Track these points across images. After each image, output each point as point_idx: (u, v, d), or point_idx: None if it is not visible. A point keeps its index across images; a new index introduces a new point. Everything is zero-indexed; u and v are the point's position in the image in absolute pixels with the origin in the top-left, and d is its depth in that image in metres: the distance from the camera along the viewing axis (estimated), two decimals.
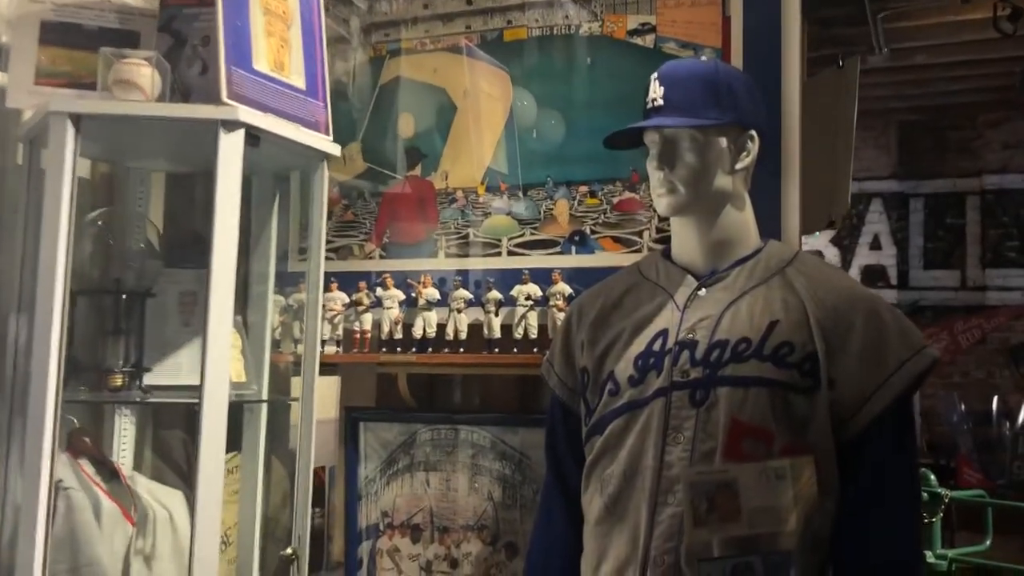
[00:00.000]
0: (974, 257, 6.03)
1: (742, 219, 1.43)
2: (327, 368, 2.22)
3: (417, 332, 1.93)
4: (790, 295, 1.34)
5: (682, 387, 1.32)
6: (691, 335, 1.34)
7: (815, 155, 2.09)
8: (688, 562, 1.25)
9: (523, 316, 1.85)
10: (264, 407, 1.87)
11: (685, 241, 1.44)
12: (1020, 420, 5.28)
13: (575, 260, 1.87)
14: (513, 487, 1.88)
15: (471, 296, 1.91)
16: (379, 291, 1.97)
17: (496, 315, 1.88)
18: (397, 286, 1.96)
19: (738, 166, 1.40)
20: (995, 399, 5.51)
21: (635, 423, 1.34)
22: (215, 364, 1.44)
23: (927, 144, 6.13)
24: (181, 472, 1.97)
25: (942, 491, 3.27)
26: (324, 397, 2.22)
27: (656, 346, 1.37)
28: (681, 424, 1.30)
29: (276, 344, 1.98)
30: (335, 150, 1.74)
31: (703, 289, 1.39)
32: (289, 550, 1.62)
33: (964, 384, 5.83)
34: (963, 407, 5.49)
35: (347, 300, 2.00)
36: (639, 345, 1.39)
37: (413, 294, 1.95)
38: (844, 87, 2.75)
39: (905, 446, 1.32)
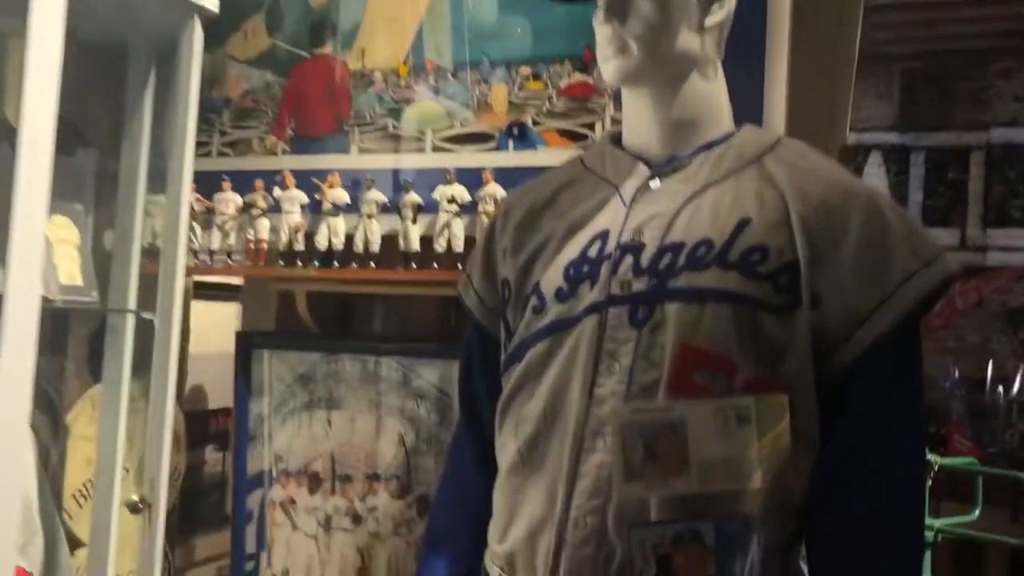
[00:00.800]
0: (975, 216, 5.73)
1: (710, 92, 1.12)
2: (226, 292, 1.91)
3: (321, 243, 1.62)
4: (767, 188, 1.04)
5: (621, 302, 1.02)
6: (637, 237, 1.05)
7: (812, 83, 1.81)
8: (617, 526, 0.97)
9: (446, 224, 1.53)
10: (130, 325, 1.54)
11: (638, 120, 1.13)
12: (1016, 387, 5.07)
13: (513, 158, 1.57)
14: (428, 430, 1.59)
15: (385, 200, 1.59)
16: (277, 192, 1.64)
17: (414, 223, 1.56)
18: (300, 187, 1.63)
19: (708, 22, 1.09)
20: (990, 364, 5.28)
21: (561, 348, 1.06)
22: (21, 253, 1.13)
23: (932, 94, 5.80)
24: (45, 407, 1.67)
25: (932, 458, 3.05)
26: (224, 327, 1.93)
27: (592, 251, 1.08)
28: (617, 349, 1.01)
29: (155, 253, 1.65)
30: (211, 3, 1.40)
31: (657, 179, 1.09)
32: (136, 496, 1.31)
33: (958, 349, 5.57)
34: (956, 373, 5.26)
35: (240, 203, 1.67)
36: (572, 250, 1.10)
37: (317, 196, 1.62)
38: (846, 7, 2.48)
39: (909, 383, 1.02)
